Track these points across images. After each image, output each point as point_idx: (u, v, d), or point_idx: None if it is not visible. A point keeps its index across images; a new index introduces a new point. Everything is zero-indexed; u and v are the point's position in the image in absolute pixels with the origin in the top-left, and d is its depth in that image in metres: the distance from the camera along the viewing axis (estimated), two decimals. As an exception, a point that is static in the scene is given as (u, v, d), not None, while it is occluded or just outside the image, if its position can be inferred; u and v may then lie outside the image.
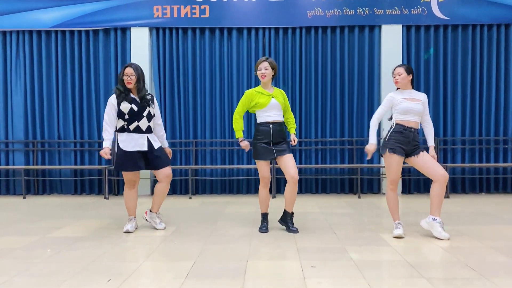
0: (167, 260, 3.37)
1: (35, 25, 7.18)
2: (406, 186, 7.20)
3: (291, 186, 4.20)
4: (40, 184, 7.40)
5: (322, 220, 4.95)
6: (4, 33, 7.34)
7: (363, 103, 7.18)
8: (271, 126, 4.21)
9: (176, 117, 7.25)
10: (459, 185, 7.19)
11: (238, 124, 4.33)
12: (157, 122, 4.50)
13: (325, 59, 7.19)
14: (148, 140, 4.33)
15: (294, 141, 4.35)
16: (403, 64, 4.19)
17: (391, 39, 7.02)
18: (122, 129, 4.27)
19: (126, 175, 4.33)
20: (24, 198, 7.01)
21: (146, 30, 7.12)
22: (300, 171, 7.14)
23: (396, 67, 4.19)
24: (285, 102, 4.37)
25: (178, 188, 7.30)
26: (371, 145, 4.14)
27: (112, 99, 4.25)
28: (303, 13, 7.04)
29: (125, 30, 7.20)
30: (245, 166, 7.09)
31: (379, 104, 7.12)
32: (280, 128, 4.26)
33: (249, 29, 7.17)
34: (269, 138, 4.21)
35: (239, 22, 7.08)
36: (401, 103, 4.04)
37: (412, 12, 6.99)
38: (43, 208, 5.98)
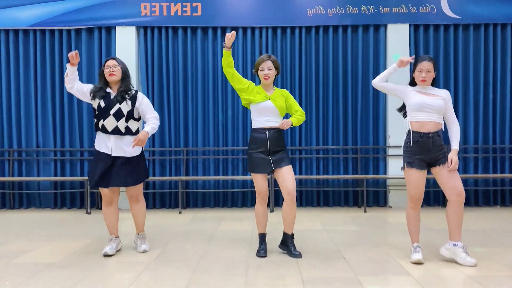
0: (147, 297, 2.82)
1: (12, 23, 6.73)
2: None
3: (289, 204, 3.75)
4: (16, 198, 6.89)
5: (327, 239, 4.47)
6: (-22, 32, 6.91)
7: (368, 108, 6.77)
8: (267, 132, 3.77)
9: (165, 123, 6.82)
10: (472, 197, 6.73)
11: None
12: (146, 117, 3.92)
13: (327, 61, 6.81)
14: (115, 145, 3.79)
15: (283, 123, 3.71)
16: (430, 58, 3.58)
17: (397, 39, 6.64)
18: (95, 128, 3.92)
19: (101, 190, 3.87)
20: (-2, 212, 6.48)
21: (133, 30, 6.73)
22: (300, 182, 6.69)
23: (422, 61, 3.54)
24: (288, 101, 3.91)
25: (167, 201, 6.83)
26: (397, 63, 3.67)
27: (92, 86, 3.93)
28: (303, 11, 6.67)
29: (110, 30, 6.80)
30: (240, 177, 6.61)
31: (384, 110, 6.78)
32: (278, 135, 3.81)
33: (244, 29, 6.80)
34: (266, 147, 3.76)
35: (233, 21, 6.70)
36: (415, 96, 3.54)
37: (421, 10, 6.61)
38: (16, 225, 5.48)
